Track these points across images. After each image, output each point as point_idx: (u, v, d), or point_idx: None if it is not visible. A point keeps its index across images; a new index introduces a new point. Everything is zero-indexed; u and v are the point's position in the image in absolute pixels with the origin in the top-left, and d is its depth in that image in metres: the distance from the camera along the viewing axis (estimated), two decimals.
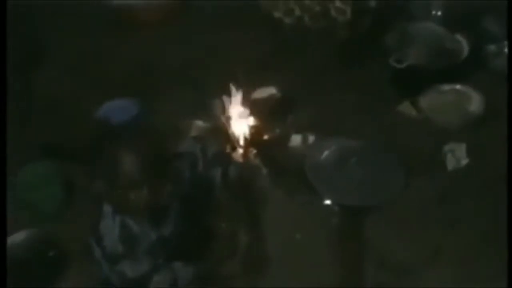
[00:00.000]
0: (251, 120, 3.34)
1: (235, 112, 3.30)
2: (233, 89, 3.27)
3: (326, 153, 3.22)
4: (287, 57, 3.81)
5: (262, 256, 2.81)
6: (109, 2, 4.15)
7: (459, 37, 3.66)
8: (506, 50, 3.61)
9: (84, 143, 2.46)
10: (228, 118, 3.30)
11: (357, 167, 3.14)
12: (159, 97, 3.62)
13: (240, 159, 3.26)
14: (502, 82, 3.32)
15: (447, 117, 3.39)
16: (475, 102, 3.40)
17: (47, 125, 3.53)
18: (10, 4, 3.17)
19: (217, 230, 2.64)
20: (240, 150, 3.30)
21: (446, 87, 3.50)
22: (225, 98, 3.30)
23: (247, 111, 3.31)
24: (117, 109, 3.45)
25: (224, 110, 3.32)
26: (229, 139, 3.29)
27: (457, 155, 3.18)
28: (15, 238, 2.99)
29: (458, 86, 3.50)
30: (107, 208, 2.20)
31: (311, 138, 3.34)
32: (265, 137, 3.37)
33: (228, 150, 3.23)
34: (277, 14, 3.96)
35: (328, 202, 3.04)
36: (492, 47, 3.66)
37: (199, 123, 3.33)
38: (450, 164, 3.17)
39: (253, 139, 3.33)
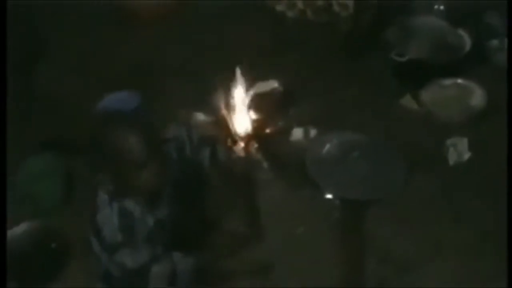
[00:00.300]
0: (252, 114, 3.33)
1: (236, 105, 3.30)
2: (235, 82, 3.26)
3: (327, 147, 3.21)
4: (289, 51, 3.81)
5: (262, 251, 2.80)
6: (110, 2, 4.15)
7: (461, 31, 3.65)
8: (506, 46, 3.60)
9: (84, 135, 2.44)
10: (230, 112, 3.30)
11: (359, 161, 3.13)
12: (160, 92, 3.62)
13: (241, 153, 3.25)
14: (504, 77, 3.31)
15: (449, 111, 3.39)
16: (477, 97, 3.40)
17: (48, 119, 3.54)
18: (10, 4, 3.16)
19: (214, 219, 2.64)
20: (242, 144, 3.29)
21: (448, 81, 3.50)
22: (226, 91, 3.30)
23: (248, 105, 3.30)
24: (118, 101, 3.44)
25: (225, 103, 3.31)
26: (231, 133, 3.29)
27: (459, 150, 3.18)
28: (17, 230, 2.99)
29: (460, 80, 3.49)
30: (103, 198, 2.20)
31: (312, 132, 3.34)
32: (267, 130, 3.37)
33: (229, 143, 3.23)
34: (279, 8, 3.95)
35: (329, 196, 3.03)
36: (494, 42, 3.65)
37: (201, 116, 3.32)
38: (452, 158, 3.17)
39: (255, 133, 3.32)
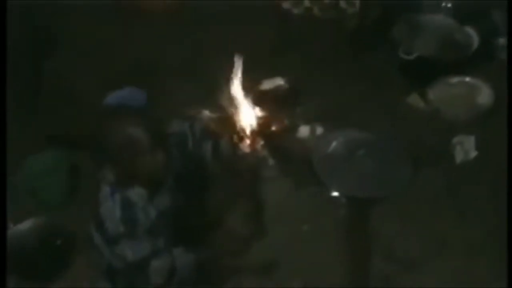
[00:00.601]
0: (258, 111, 3.33)
1: (242, 103, 3.29)
2: (241, 79, 3.26)
3: (333, 144, 3.21)
4: (295, 48, 3.80)
5: (267, 248, 2.80)
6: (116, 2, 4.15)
7: (469, 29, 3.64)
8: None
9: (90, 131, 2.45)
10: (236, 109, 3.29)
11: (365, 159, 3.13)
12: (166, 88, 3.62)
13: (247, 150, 3.25)
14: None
15: (456, 110, 3.38)
16: (484, 95, 3.39)
17: (54, 115, 3.54)
18: (18, 1, 3.16)
19: (216, 214, 2.64)
20: (248, 141, 3.29)
21: (455, 79, 3.49)
22: (232, 88, 3.29)
23: (254, 102, 3.30)
24: (124, 96, 3.44)
25: (231, 101, 3.31)
26: (237, 130, 3.28)
27: (465, 148, 3.16)
28: (22, 226, 3.00)
29: (467, 79, 3.48)
30: (105, 190, 2.21)
31: (319, 130, 3.33)
32: (273, 128, 3.36)
33: (235, 140, 3.22)
34: (286, 5, 3.94)
35: (335, 194, 3.03)
36: (502, 40, 3.63)
37: (207, 113, 3.32)
38: (459, 157, 3.16)
39: (261, 130, 3.32)
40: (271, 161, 3.25)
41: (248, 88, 3.30)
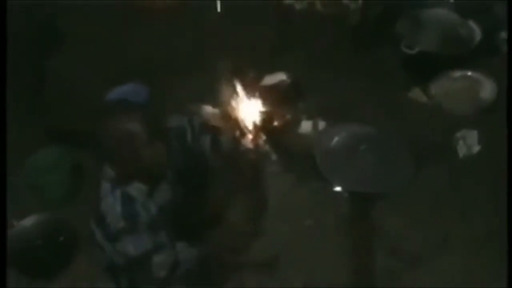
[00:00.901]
0: (260, 106, 3.32)
1: (245, 98, 3.28)
2: (243, 75, 3.25)
3: (336, 139, 3.21)
4: (297, 43, 3.80)
5: (269, 243, 2.80)
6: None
7: (471, 23, 3.63)
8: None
9: (92, 128, 2.45)
10: (238, 104, 3.29)
11: (367, 154, 3.12)
12: (168, 84, 3.61)
13: (249, 145, 3.25)
14: None
15: (458, 104, 3.37)
16: (487, 89, 3.38)
17: (57, 112, 3.54)
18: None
19: (217, 209, 2.64)
20: (250, 136, 3.28)
21: (458, 73, 3.48)
22: (235, 84, 3.29)
23: (257, 97, 3.29)
24: (126, 92, 3.44)
25: (234, 96, 3.30)
26: (239, 125, 3.28)
27: (468, 143, 3.16)
28: (25, 223, 3.01)
29: (470, 73, 3.47)
30: (106, 187, 2.21)
31: (321, 125, 3.33)
32: (275, 123, 3.36)
33: (237, 135, 3.22)
34: (288, 1, 3.94)
35: (337, 189, 3.02)
36: (504, 34, 3.62)
37: (209, 108, 3.31)
38: (461, 151, 3.15)
39: (263, 125, 3.31)
40: (273, 156, 3.25)
41: (250, 83, 3.30)
